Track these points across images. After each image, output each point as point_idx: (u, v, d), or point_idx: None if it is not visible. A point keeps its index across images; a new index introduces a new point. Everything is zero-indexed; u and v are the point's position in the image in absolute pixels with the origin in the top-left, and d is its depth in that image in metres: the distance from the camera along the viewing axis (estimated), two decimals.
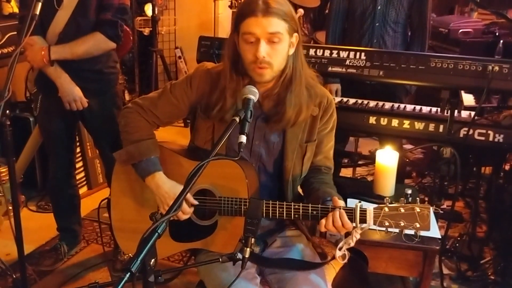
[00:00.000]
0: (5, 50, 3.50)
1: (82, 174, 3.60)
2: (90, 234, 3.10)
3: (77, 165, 3.53)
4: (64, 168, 2.74)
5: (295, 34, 1.66)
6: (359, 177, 3.80)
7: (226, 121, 1.67)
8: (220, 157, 1.39)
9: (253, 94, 1.52)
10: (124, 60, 5.39)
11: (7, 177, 3.26)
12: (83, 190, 3.59)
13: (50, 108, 2.57)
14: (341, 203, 1.59)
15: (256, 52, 1.59)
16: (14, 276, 2.44)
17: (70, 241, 2.87)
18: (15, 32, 3.44)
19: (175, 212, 1.11)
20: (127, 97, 5.40)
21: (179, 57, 5.53)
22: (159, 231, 1.06)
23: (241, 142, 1.39)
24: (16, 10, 3.64)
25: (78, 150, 3.54)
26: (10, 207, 3.13)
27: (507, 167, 2.93)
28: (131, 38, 4.51)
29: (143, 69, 5.39)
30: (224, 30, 5.47)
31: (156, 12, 4.85)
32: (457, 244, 2.87)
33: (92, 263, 2.80)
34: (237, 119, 1.41)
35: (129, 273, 0.98)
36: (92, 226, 3.17)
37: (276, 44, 1.60)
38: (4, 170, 3.19)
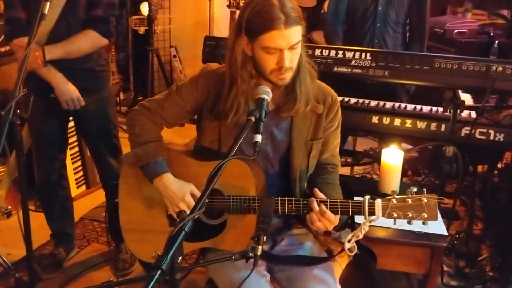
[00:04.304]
0: (1, 49, 3.48)
1: (81, 174, 3.58)
2: (90, 234, 3.09)
3: (76, 165, 3.54)
4: (57, 169, 2.68)
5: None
6: (357, 176, 3.83)
7: (234, 122, 1.69)
8: (238, 157, 1.41)
9: (267, 94, 1.53)
10: (119, 59, 5.37)
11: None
12: (81, 190, 3.59)
13: (43, 109, 2.50)
14: (321, 195, 1.63)
15: (280, 62, 1.59)
16: (17, 276, 2.43)
17: (66, 245, 2.84)
18: None
19: (200, 211, 1.13)
20: (121, 96, 5.39)
21: (174, 56, 5.52)
22: (186, 229, 1.07)
23: (257, 141, 1.40)
24: None
25: (76, 149, 3.54)
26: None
27: (502, 166, 2.98)
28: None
29: (137, 68, 5.37)
30: (219, 29, 5.46)
31: (152, 11, 4.84)
32: (455, 242, 2.91)
33: (94, 262, 2.81)
34: (253, 119, 1.43)
35: (159, 271, 1.00)
36: (92, 226, 3.17)
37: (295, 49, 1.61)
38: (2, 169, 3.18)
